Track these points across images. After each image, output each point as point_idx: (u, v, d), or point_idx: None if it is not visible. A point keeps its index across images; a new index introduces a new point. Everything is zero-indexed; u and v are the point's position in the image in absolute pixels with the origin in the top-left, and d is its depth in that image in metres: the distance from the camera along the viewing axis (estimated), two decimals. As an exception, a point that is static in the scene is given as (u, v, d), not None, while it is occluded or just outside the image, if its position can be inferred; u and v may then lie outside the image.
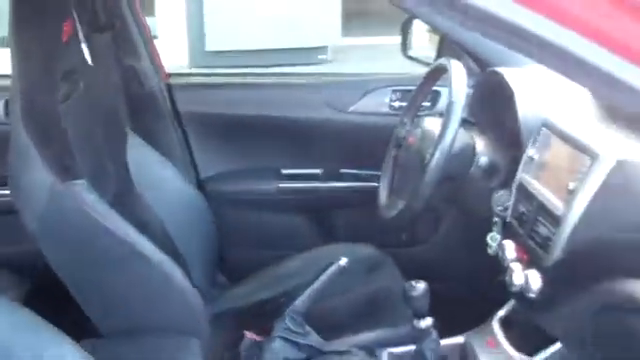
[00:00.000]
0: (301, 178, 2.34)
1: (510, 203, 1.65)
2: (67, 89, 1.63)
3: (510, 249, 1.59)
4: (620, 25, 0.73)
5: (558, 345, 1.55)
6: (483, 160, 1.78)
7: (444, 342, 1.70)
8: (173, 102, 2.27)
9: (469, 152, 1.79)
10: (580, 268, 1.40)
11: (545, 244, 1.46)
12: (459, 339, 1.76)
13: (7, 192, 1.57)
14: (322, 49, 6.44)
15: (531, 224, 1.53)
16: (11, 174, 1.53)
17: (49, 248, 1.50)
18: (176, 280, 1.59)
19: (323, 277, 1.72)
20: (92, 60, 1.75)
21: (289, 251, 2.17)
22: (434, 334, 1.63)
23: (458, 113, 1.64)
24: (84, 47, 1.71)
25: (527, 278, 1.49)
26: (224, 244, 2.19)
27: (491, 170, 1.78)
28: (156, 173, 1.99)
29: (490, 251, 1.68)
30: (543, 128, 1.60)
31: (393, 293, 1.89)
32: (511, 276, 1.52)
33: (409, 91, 2.10)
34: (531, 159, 1.60)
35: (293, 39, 6.20)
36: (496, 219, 1.71)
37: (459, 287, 2.01)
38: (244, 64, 5.14)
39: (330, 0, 6.04)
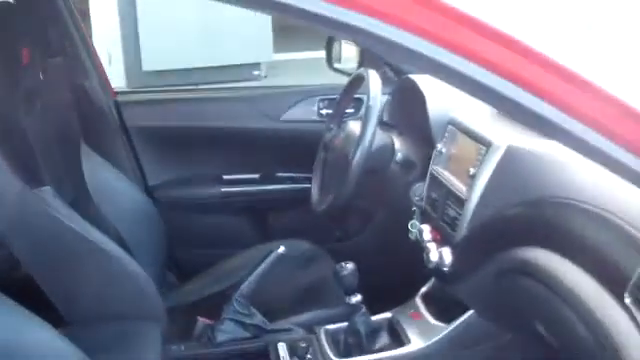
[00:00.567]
0: (241, 183, 2.52)
1: (424, 192, 1.89)
2: (27, 107, 1.82)
3: (426, 232, 1.80)
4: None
5: (470, 312, 1.78)
6: (400, 156, 2.01)
7: (374, 318, 1.90)
8: (121, 117, 2.42)
9: (388, 149, 2.02)
10: (482, 241, 1.63)
11: (453, 224, 1.68)
12: (387, 314, 1.94)
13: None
14: (256, 65, 6.61)
15: (442, 208, 1.75)
16: None
17: (18, 247, 1.64)
18: (134, 271, 1.74)
19: (264, 264, 1.91)
20: (47, 81, 1.93)
21: (233, 249, 2.31)
22: (364, 309, 1.84)
23: (375, 115, 1.87)
24: (39, 71, 1.90)
25: (441, 255, 1.71)
26: (173, 245, 2.31)
27: (408, 165, 2.01)
28: (109, 182, 2.11)
29: (411, 237, 1.89)
30: (449, 125, 1.84)
31: (328, 281, 2.06)
32: (428, 254, 1.74)
33: (334, 99, 2.31)
34: (440, 152, 1.83)
35: (228, 56, 6.34)
36: (414, 208, 1.93)
37: (387, 272, 2.16)
38: (181, 82, 5.27)
39: (261, 18, 6.21)
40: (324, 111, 2.48)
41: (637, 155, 0.94)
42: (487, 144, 1.62)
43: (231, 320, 1.86)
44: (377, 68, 2.12)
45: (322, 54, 2.69)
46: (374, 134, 1.89)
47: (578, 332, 1.33)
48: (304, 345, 1.81)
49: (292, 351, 1.81)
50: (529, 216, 1.53)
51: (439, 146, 1.84)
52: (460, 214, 1.66)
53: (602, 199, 1.33)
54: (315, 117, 2.49)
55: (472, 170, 1.63)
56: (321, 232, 2.39)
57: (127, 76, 6.29)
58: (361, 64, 2.42)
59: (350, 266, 1.80)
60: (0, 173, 1.60)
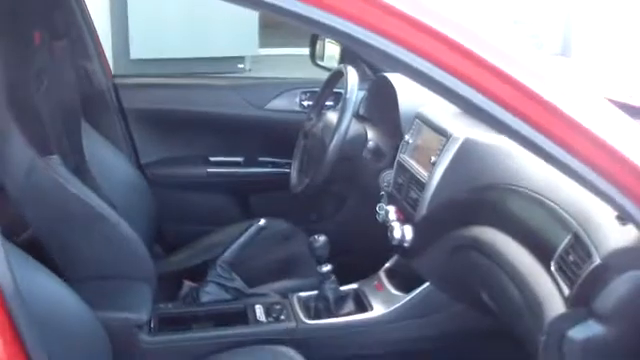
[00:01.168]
0: (226, 164, 2.70)
1: (392, 178, 2.10)
2: (37, 85, 2.01)
3: (392, 212, 2.02)
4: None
5: (427, 284, 2.00)
6: (372, 145, 2.21)
7: (342, 288, 2.08)
8: (118, 99, 2.59)
9: (361, 139, 2.22)
10: (439, 221, 1.85)
11: (415, 204, 1.90)
12: (354, 285, 2.14)
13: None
14: (240, 59, 6.75)
15: (405, 191, 1.97)
16: None
17: (29, 209, 1.81)
18: (129, 236, 1.90)
19: (246, 235, 2.11)
20: (53, 62, 2.12)
21: (216, 226, 2.47)
22: (333, 277, 2.03)
23: (351, 107, 2.08)
24: (48, 53, 2.08)
25: (403, 232, 1.92)
26: (160, 219, 2.47)
27: (378, 153, 2.21)
28: (106, 157, 2.27)
29: (379, 218, 2.09)
30: (416, 119, 2.05)
31: (302, 256, 2.25)
32: (392, 232, 1.95)
33: (315, 92, 2.50)
34: (407, 143, 2.05)
35: (213, 49, 6.46)
36: (383, 193, 2.14)
37: (356, 250, 2.32)
38: (168, 72, 5.40)
39: (248, 13, 6.32)
40: (305, 102, 2.67)
41: (561, 146, 1.14)
42: (447, 136, 1.84)
43: (214, 283, 2.05)
44: (356, 66, 2.30)
45: (304, 51, 2.87)
46: (349, 124, 2.09)
47: (513, 297, 1.55)
48: (278, 307, 2.00)
49: (268, 312, 1.99)
50: (479, 199, 1.75)
51: (406, 137, 2.06)
52: (421, 196, 1.86)
53: (538, 185, 1.56)
54: (297, 108, 2.68)
55: (433, 158, 1.85)
56: (297, 213, 2.56)
57: (114, 63, 6.35)
58: (341, 61, 2.60)
59: (322, 238, 1.99)
60: (17, 142, 1.79)
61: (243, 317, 2.00)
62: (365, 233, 2.26)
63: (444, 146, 1.82)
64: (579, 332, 1.24)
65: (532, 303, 1.44)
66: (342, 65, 2.28)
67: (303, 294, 2.10)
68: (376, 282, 2.13)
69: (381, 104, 2.30)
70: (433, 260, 1.92)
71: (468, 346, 2.00)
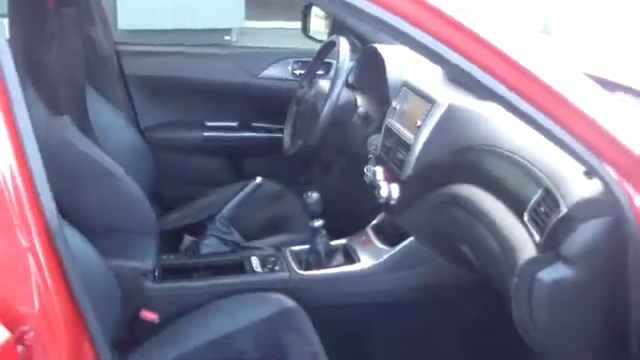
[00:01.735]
0: (221, 129, 2.83)
1: (379, 142, 2.25)
2: (48, 47, 2.12)
3: (379, 172, 2.14)
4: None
5: (411, 239, 2.14)
6: (361, 111, 2.34)
7: (332, 242, 2.22)
8: (120, 65, 2.70)
9: (351, 105, 2.35)
10: (423, 179, 1.99)
11: (401, 165, 2.03)
12: (343, 240, 2.27)
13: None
14: (227, 31, 6.81)
15: (393, 153, 2.10)
16: None
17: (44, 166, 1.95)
18: (134, 192, 2.01)
19: (244, 192, 2.25)
20: (62, 28, 2.23)
21: (211, 188, 2.60)
22: (324, 232, 2.16)
23: (343, 74, 2.21)
24: (58, 18, 2.19)
25: (390, 190, 2.06)
26: (159, 180, 2.58)
27: (367, 119, 2.34)
28: (108, 120, 2.37)
29: (366, 179, 2.22)
30: (404, 87, 2.19)
31: (294, 214, 2.41)
32: (379, 191, 2.08)
33: (307, 62, 2.63)
34: (395, 109, 2.18)
35: (200, 20, 6.54)
36: (371, 156, 2.26)
37: (345, 209, 2.46)
38: (155, 43, 5.48)
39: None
40: (297, 71, 2.79)
41: (534, 106, 1.30)
42: (432, 102, 1.98)
43: (214, 236, 2.20)
44: (346, 37, 2.41)
45: (290, 24, 2.96)
46: (341, 91, 2.23)
47: (491, 247, 1.70)
48: (273, 259, 2.14)
49: (263, 263, 2.13)
50: (461, 159, 1.89)
51: (394, 103, 2.19)
52: (407, 157, 2.00)
53: (514, 145, 1.71)
54: (289, 76, 2.80)
55: (419, 122, 1.98)
56: (289, 176, 2.70)
57: (102, 33, 6.42)
58: (331, 34, 2.71)
59: (315, 195, 2.13)
60: (34, 101, 1.90)
61: (240, 268, 2.13)
62: (353, 193, 2.40)
63: (429, 111, 1.96)
64: (548, 274, 1.41)
65: (507, 250, 1.59)
66: (335, 36, 2.40)
67: (296, 247, 2.23)
68: (364, 237, 2.26)
69: (370, 73, 2.41)
70: (417, 216, 2.06)
71: (451, 298, 2.12)
